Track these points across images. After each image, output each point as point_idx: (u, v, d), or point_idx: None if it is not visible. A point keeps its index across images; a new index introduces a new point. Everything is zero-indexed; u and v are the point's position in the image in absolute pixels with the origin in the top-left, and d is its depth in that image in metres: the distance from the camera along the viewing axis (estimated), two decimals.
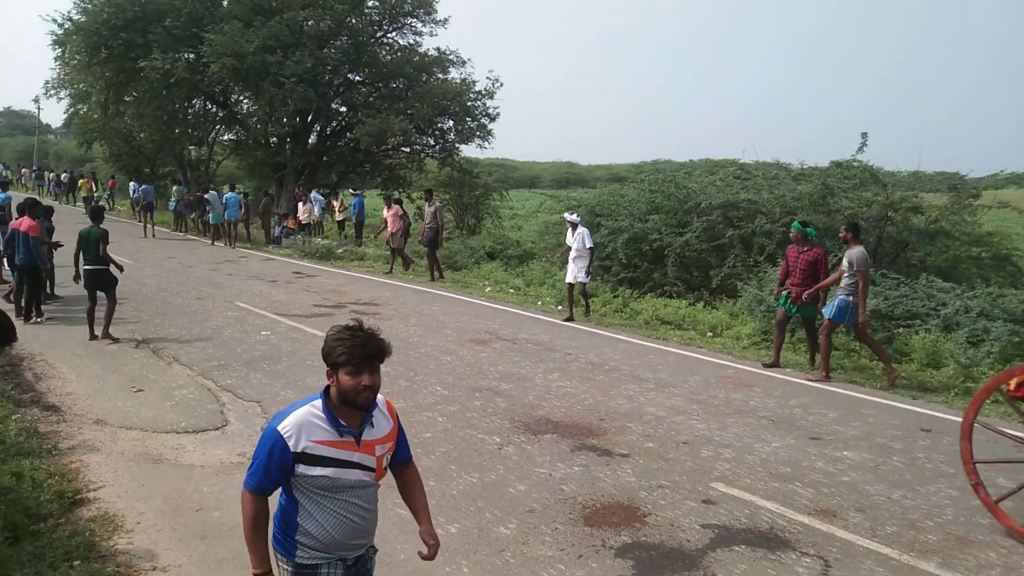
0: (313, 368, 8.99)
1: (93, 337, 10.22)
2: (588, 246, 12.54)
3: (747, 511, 5.47)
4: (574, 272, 12.54)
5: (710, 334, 11.76)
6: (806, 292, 9.37)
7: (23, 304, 11.37)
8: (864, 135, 15.56)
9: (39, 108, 69.08)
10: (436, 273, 17.10)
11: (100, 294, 10.32)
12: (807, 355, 10.07)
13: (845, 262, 9.16)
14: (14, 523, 4.69)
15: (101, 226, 10.52)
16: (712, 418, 7.61)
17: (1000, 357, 9.75)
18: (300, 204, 22.64)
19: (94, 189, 32.65)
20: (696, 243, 14.16)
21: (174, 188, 28.35)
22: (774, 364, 9.84)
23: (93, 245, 10.27)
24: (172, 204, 27.45)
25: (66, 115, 36.34)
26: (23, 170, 51.70)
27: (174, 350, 9.71)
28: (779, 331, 9.99)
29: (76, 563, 4.45)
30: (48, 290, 12.78)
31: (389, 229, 18.06)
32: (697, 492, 5.78)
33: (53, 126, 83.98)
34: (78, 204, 34.58)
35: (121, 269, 10.85)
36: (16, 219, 11.69)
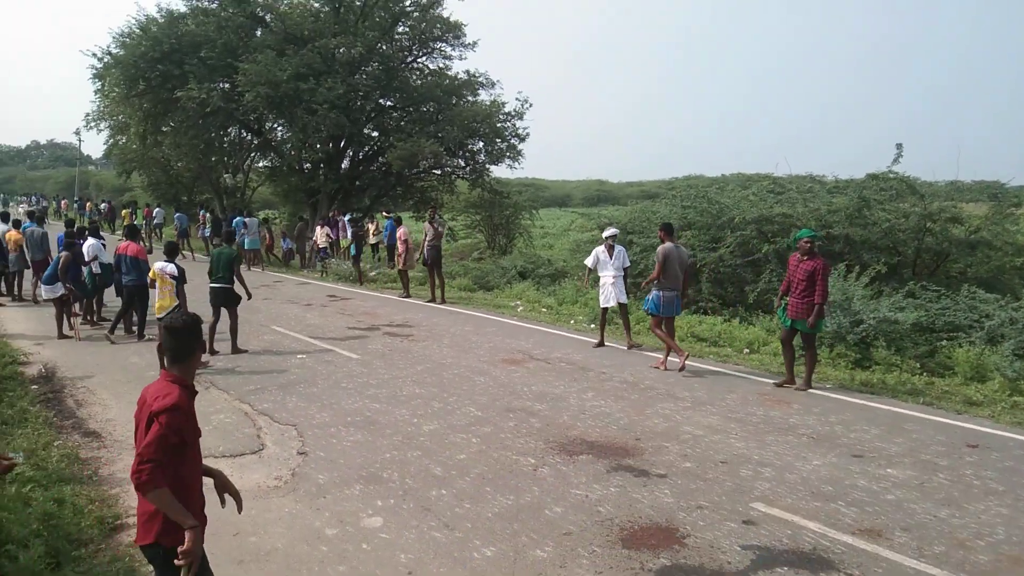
0: (348, 391, 9.03)
1: (213, 352, 10.74)
2: (627, 265, 11.88)
3: (789, 531, 5.35)
4: (615, 295, 11.51)
5: (747, 351, 11.60)
6: (811, 318, 8.97)
7: (133, 323, 12.33)
8: (899, 146, 15.43)
9: (80, 140, 70.99)
10: (440, 294, 16.47)
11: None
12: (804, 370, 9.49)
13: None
14: (56, 549, 4.75)
15: (232, 247, 11.48)
16: (751, 436, 7.48)
17: None
18: (318, 228, 22.71)
19: (136, 218, 33.43)
20: (730, 258, 14.03)
21: (201, 213, 29.02)
22: (788, 383, 9.43)
23: (224, 265, 10.96)
24: (202, 230, 28.06)
25: (106, 146, 37.47)
26: (63, 201, 53.07)
27: (211, 375, 9.82)
28: (786, 348, 9.55)
29: None
30: (95, 312, 13.18)
31: (399, 251, 17.45)
32: (737, 512, 5.67)
33: (93, 157, 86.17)
34: (117, 232, 35.39)
35: (249, 295, 11.54)
36: (123, 244, 12.38)
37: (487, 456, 6.85)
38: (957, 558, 4.96)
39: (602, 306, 11.86)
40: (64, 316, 12.24)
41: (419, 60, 29.46)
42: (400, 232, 17.58)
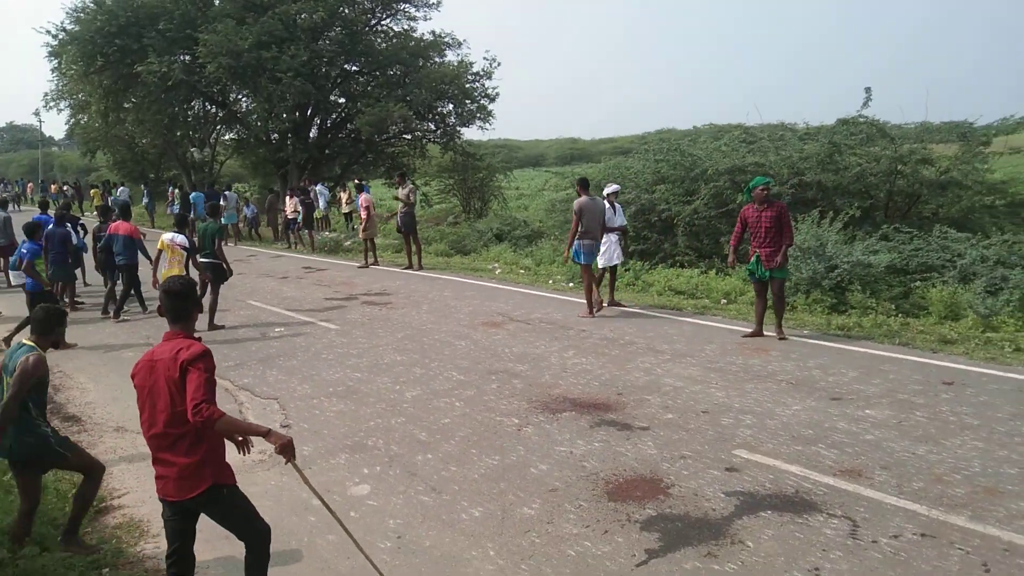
0: (328, 361, 9.00)
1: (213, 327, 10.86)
2: (623, 223, 11.68)
3: (771, 476, 5.44)
4: (617, 255, 11.44)
5: (724, 301, 11.69)
6: (780, 258, 9.05)
7: (117, 301, 12.20)
8: (868, 90, 15.43)
9: (40, 121, 69.50)
10: (417, 260, 16.42)
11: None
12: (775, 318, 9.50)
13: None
14: (42, 534, 4.72)
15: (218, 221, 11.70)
16: (731, 385, 7.56)
17: (1020, 305, 9.66)
18: (288, 199, 22.20)
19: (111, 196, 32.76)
20: (705, 210, 14.04)
21: (170, 190, 28.60)
22: (756, 334, 9.45)
23: (210, 240, 11.11)
24: (171, 207, 27.66)
25: (67, 126, 36.62)
26: (28, 184, 51.92)
27: None
28: (761, 300, 9.52)
29: (105, 570, 4.49)
30: (72, 297, 12.99)
31: (361, 218, 17.25)
32: (720, 460, 5.75)
33: (56, 138, 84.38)
34: (87, 213, 34.80)
35: (231, 272, 11.35)
36: (114, 223, 12.37)
37: (471, 419, 6.87)
38: (935, 492, 5.07)
39: (602, 266, 11.51)
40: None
41: (383, 23, 28.98)
42: (362, 199, 17.41)
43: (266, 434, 3.44)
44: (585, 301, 11.08)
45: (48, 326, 4.68)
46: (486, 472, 5.71)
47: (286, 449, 3.45)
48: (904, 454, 5.74)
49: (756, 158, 14.92)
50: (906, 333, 9.39)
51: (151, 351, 3.65)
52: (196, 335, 3.71)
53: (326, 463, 6.02)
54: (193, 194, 25.02)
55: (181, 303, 3.69)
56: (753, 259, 9.33)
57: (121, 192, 30.21)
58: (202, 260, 11.02)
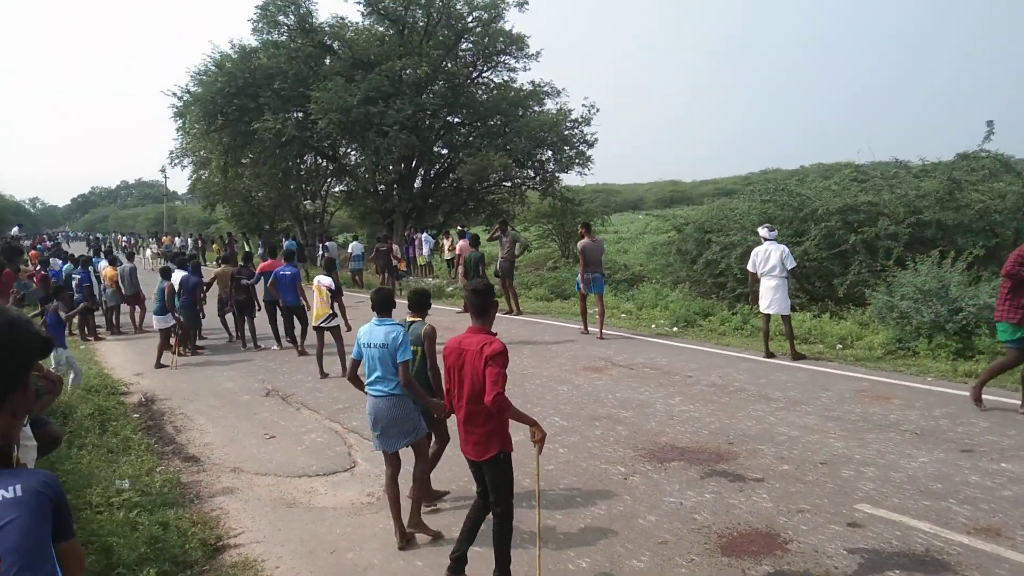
0: None
1: (324, 375, 11.22)
2: (790, 267, 10.76)
3: (898, 533, 5.09)
4: (779, 301, 10.65)
5: (840, 346, 11.17)
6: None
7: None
8: (990, 123, 14.70)
9: (166, 177, 74.53)
10: (514, 305, 16.34)
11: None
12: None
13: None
14: (163, 572, 4.91)
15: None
16: (850, 435, 7.18)
17: None
18: (395, 247, 22.91)
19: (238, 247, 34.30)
20: (816, 252, 13.56)
21: (283, 239, 29.80)
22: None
23: (473, 267, 13.22)
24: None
25: (190, 181, 39.12)
26: (164, 237, 55.33)
27: (302, 396, 10.05)
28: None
29: None
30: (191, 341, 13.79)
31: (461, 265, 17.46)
32: (841, 515, 5.43)
33: (179, 192, 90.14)
34: (209, 263, 36.79)
35: (348, 327, 11.30)
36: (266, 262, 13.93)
37: (575, 466, 6.77)
38: None
39: (765, 311, 10.88)
40: (167, 347, 12.87)
41: (484, 75, 29.76)
42: (459, 246, 17.85)
43: (533, 423, 4.36)
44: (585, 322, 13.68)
45: (423, 304, 5.62)
46: (592, 522, 5.59)
47: (542, 439, 4.38)
48: None
49: (869, 197, 14.35)
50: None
51: (459, 338, 4.64)
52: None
53: (430, 508, 6.03)
54: (287, 243, 25.85)
55: (482, 299, 4.64)
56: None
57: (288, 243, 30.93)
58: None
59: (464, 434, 4.56)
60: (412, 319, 5.95)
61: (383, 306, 5.69)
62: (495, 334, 4.53)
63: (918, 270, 11.19)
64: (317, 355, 11.30)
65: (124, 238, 55.02)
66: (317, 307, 11.17)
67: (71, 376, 9.77)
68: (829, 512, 5.50)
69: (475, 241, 14.03)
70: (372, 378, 5.47)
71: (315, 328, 11.22)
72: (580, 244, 13.22)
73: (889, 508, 5.50)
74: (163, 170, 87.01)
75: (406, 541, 5.35)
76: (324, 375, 11.09)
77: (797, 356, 10.61)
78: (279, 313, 13.58)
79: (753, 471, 6.40)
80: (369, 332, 5.54)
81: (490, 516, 4.64)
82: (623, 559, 4.95)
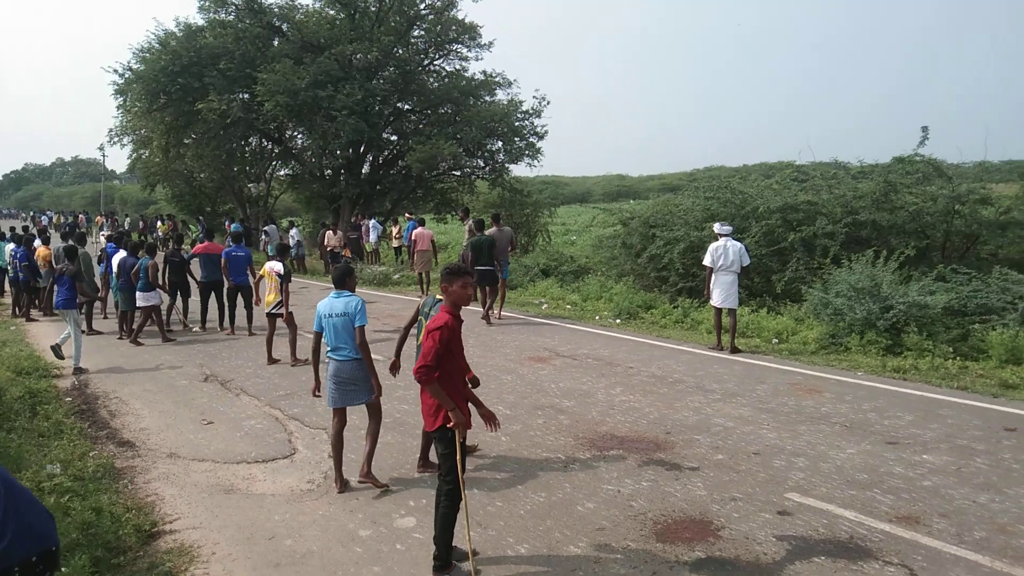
0: None
1: (272, 360, 11.09)
2: (745, 264, 10.95)
3: (825, 521, 5.29)
4: (733, 296, 10.85)
5: (776, 340, 11.49)
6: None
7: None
8: (925, 129, 15.23)
9: (104, 156, 72.07)
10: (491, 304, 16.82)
11: None
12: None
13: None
14: (96, 558, 4.82)
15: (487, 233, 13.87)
16: (783, 427, 7.41)
17: None
18: (329, 233, 22.53)
19: (179, 230, 33.37)
20: (756, 248, 13.89)
21: (228, 224, 29.20)
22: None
23: (486, 252, 13.36)
24: (227, 240, 28.26)
25: (130, 160, 37.89)
26: (98, 217, 53.66)
27: (241, 382, 9.92)
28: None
29: None
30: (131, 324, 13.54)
31: (418, 250, 18.12)
32: (771, 503, 5.62)
33: (118, 171, 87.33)
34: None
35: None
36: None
37: (517, 454, 6.85)
38: (999, 543, 4.88)
39: (719, 306, 11.01)
40: (153, 323, 12.89)
41: (435, 63, 29.53)
42: (414, 233, 18.05)
43: (450, 409, 4.52)
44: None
45: (453, 275, 5.09)
46: (532, 509, 5.67)
47: (456, 424, 4.55)
48: (964, 502, 5.54)
49: (809, 196, 14.76)
50: (965, 377, 9.12)
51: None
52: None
53: (373, 494, 6.04)
54: (233, 225, 25.56)
55: (445, 280, 4.84)
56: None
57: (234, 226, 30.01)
58: (479, 269, 13.10)
59: (422, 404, 4.85)
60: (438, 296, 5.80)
61: (341, 281, 6.30)
62: (455, 313, 4.79)
63: (853, 268, 11.56)
64: (267, 340, 11.13)
65: (64, 216, 53.17)
66: (268, 293, 11.08)
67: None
68: (760, 500, 5.68)
69: (480, 225, 14.11)
70: (335, 345, 6.13)
71: (267, 315, 11.11)
72: (488, 232, 14.00)
73: (817, 497, 5.70)
74: (101, 148, 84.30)
75: (344, 486, 6.11)
76: (272, 360, 10.95)
77: (735, 350, 10.88)
78: (213, 296, 13.76)
79: (689, 460, 6.56)
80: (329, 305, 6.17)
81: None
82: (561, 545, 5.04)
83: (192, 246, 14.46)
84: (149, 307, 12.76)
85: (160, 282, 13.16)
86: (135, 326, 12.97)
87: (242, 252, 13.40)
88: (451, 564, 4.67)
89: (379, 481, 6.16)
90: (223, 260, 13.36)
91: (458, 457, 4.60)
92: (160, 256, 13.80)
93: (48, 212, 66.80)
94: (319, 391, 6.63)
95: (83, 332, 12.08)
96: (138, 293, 12.81)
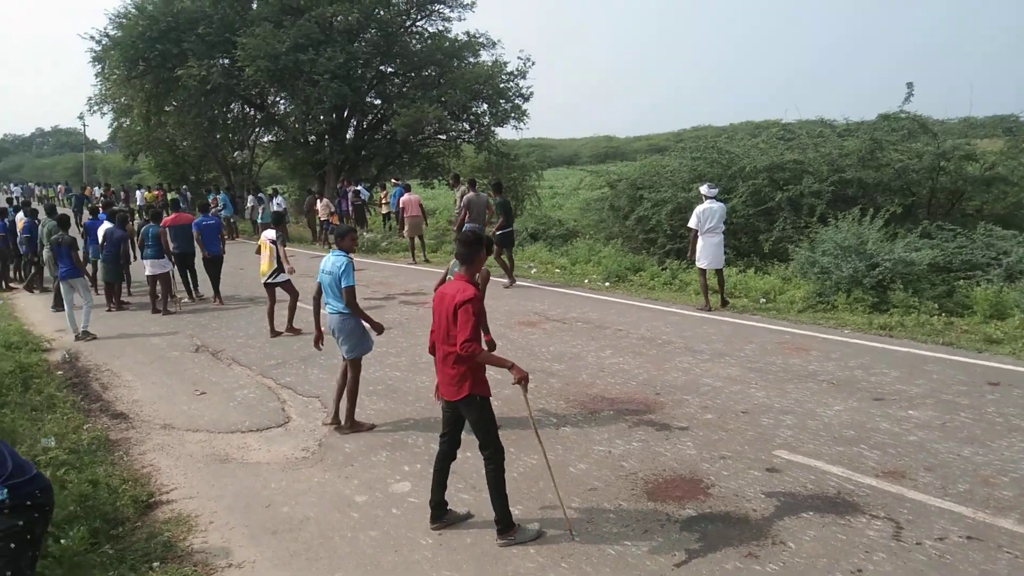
0: (368, 360, 9.05)
1: (275, 333, 10.92)
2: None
3: (812, 477, 5.40)
4: (720, 257, 11.14)
5: (763, 300, 11.58)
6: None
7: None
8: (910, 85, 15.15)
9: (85, 125, 71.04)
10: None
11: None
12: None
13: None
14: (94, 529, 4.87)
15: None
16: (771, 385, 7.51)
17: None
18: (318, 202, 22.52)
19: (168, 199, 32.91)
20: (743, 208, 13.92)
21: (212, 197, 28.91)
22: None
23: (507, 213, 13.71)
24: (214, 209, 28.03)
25: (110, 129, 37.28)
26: (87, 188, 52.93)
27: (233, 352, 9.93)
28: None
29: (155, 564, 4.61)
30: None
31: (411, 215, 17.95)
32: (760, 461, 5.72)
33: (99, 141, 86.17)
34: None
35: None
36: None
37: (508, 418, 6.90)
38: (982, 495, 5.00)
39: (708, 267, 11.18)
40: (165, 292, 12.79)
41: (418, 24, 29.07)
42: (403, 199, 17.99)
43: (511, 366, 4.55)
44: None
45: (477, 245, 4.90)
46: (525, 471, 5.75)
47: (524, 378, 4.60)
48: (949, 455, 5.66)
49: (795, 155, 14.76)
50: (950, 333, 9.24)
51: (445, 285, 4.82)
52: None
53: (367, 460, 6.11)
54: (221, 195, 25.58)
55: (471, 248, 4.80)
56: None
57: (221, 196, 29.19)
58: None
59: (440, 375, 4.82)
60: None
61: (338, 239, 7.05)
62: (475, 281, 4.77)
63: (839, 227, 11.62)
64: (268, 312, 10.88)
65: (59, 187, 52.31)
66: (263, 263, 10.84)
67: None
68: (749, 458, 5.78)
69: (499, 188, 14.48)
70: (326, 299, 6.83)
71: (264, 284, 10.87)
72: (465, 198, 14.13)
73: (805, 454, 5.81)
74: (81, 117, 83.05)
75: (336, 424, 6.78)
76: (276, 333, 10.74)
77: (725, 303, 11.21)
78: (192, 266, 13.86)
79: (679, 420, 6.66)
80: (326, 260, 6.85)
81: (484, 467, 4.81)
82: (554, 506, 5.13)
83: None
84: (163, 274, 12.68)
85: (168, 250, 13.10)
86: (159, 295, 12.82)
87: (212, 221, 13.53)
88: (514, 525, 4.71)
89: (364, 424, 6.81)
90: (195, 232, 13.27)
91: (528, 411, 4.85)
92: (136, 224, 13.77)
93: (30, 184, 65.83)
94: (321, 343, 7.15)
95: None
96: (147, 261, 12.69)
